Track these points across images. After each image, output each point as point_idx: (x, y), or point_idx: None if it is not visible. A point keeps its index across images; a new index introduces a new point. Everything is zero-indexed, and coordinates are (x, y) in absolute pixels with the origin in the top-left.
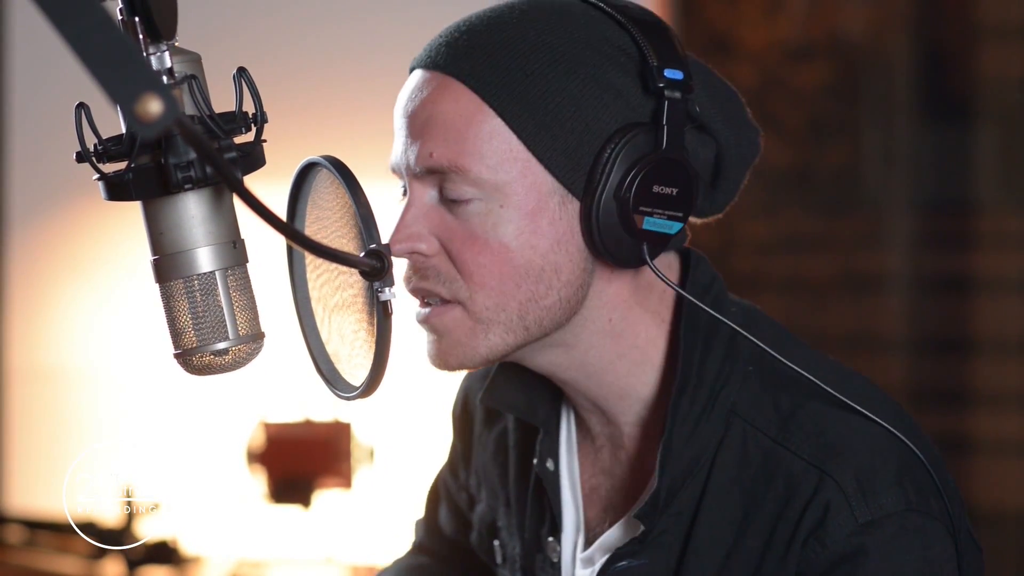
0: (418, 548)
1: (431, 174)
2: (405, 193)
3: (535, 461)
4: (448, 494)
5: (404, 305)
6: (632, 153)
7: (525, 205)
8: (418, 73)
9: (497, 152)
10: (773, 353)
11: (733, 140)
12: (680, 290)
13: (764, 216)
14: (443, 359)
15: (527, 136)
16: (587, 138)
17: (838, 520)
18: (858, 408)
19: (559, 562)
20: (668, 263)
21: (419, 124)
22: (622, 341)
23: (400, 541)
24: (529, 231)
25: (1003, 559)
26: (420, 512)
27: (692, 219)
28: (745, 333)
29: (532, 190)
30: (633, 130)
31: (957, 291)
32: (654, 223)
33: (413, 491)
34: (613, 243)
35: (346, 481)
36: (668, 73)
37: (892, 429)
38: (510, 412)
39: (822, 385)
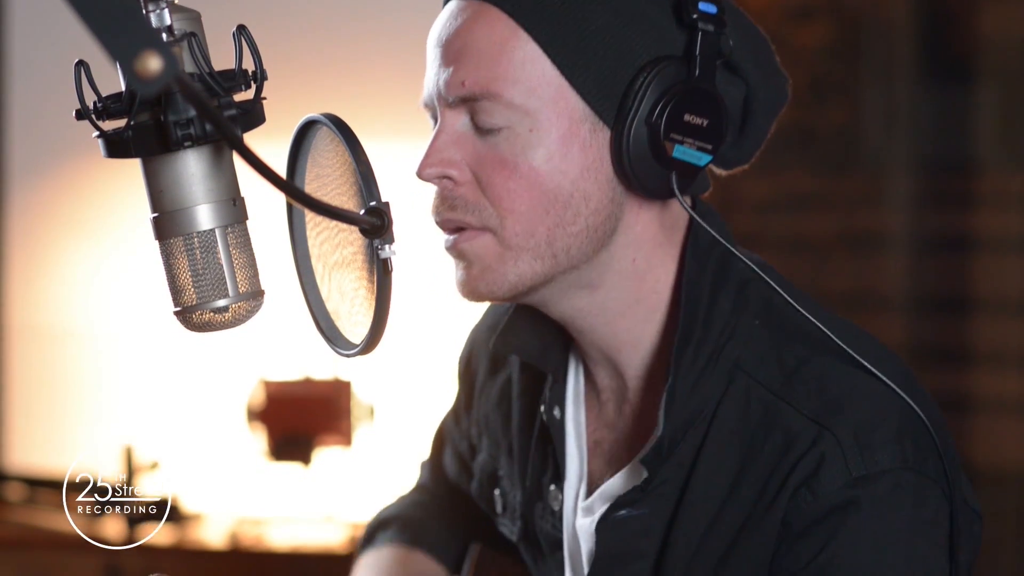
0: (421, 489)
1: (463, 103)
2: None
3: (542, 408)
4: (452, 440)
5: (404, 263)
6: (664, 82)
7: (556, 130)
8: (453, 3)
9: (530, 77)
10: (787, 297)
11: (762, 83)
12: (707, 226)
13: (765, 175)
14: (472, 287)
15: (561, 61)
16: (620, 66)
17: (831, 472)
18: (864, 363)
19: (560, 510)
20: (677, 217)
21: (452, 52)
22: (643, 284)
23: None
24: (559, 156)
25: (1002, 518)
26: (425, 454)
27: (718, 171)
28: (761, 273)
29: (563, 116)
30: (666, 61)
31: (957, 250)
32: (684, 152)
33: (413, 449)
34: (643, 170)
35: (346, 439)
36: (702, 6)
37: (896, 388)
38: (521, 356)
39: (832, 336)
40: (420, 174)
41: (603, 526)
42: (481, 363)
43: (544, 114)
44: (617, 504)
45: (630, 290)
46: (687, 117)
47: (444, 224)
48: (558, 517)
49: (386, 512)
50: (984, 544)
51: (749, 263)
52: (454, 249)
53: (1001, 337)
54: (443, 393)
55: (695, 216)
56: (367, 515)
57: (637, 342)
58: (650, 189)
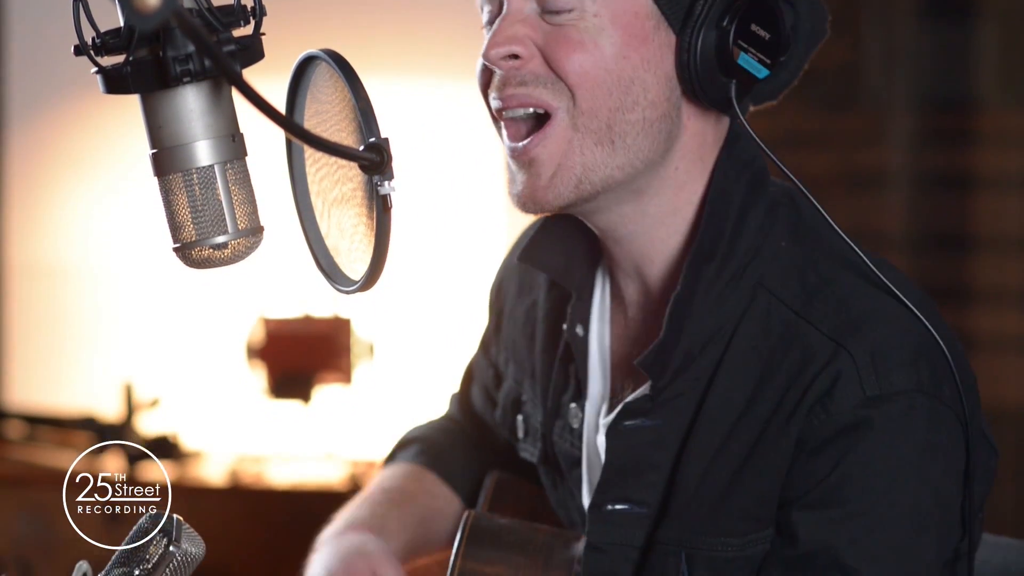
0: (449, 419)
1: None
2: (490, 22)
3: (565, 327)
4: (479, 373)
5: (403, 200)
6: None
7: (621, 19)
8: None
9: None
10: (824, 213)
11: (808, 13)
12: (757, 138)
13: (764, 113)
14: (539, 195)
15: None
16: None
17: (846, 391)
18: (888, 283)
19: (579, 428)
20: (719, 134)
21: None
22: (680, 194)
23: (397, 436)
24: (623, 42)
25: (1001, 456)
26: (454, 387)
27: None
28: (800, 185)
29: (630, 9)
30: None
31: (957, 188)
32: (747, 61)
33: (413, 386)
34: (705, 74)
35: (346, 376)
36: None
37: (917, 312)
38: (546, 272)
39: (860, 253)
40: (487, 55)
41: (612, 433)
42: (510, 290)
43: (611, 2)
44: (625, 412)
45: (669, 199)
46: (754, 27)
47: (512, 100)
48: (577, 435)
49: (412, 433)
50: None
51: (790, 177)
52: (525, 155)
53: (1000, 275)
54: (442, 330)
55: (747, 126)
56: (367, 453)
57: (668, 255)
58: (708, 94)
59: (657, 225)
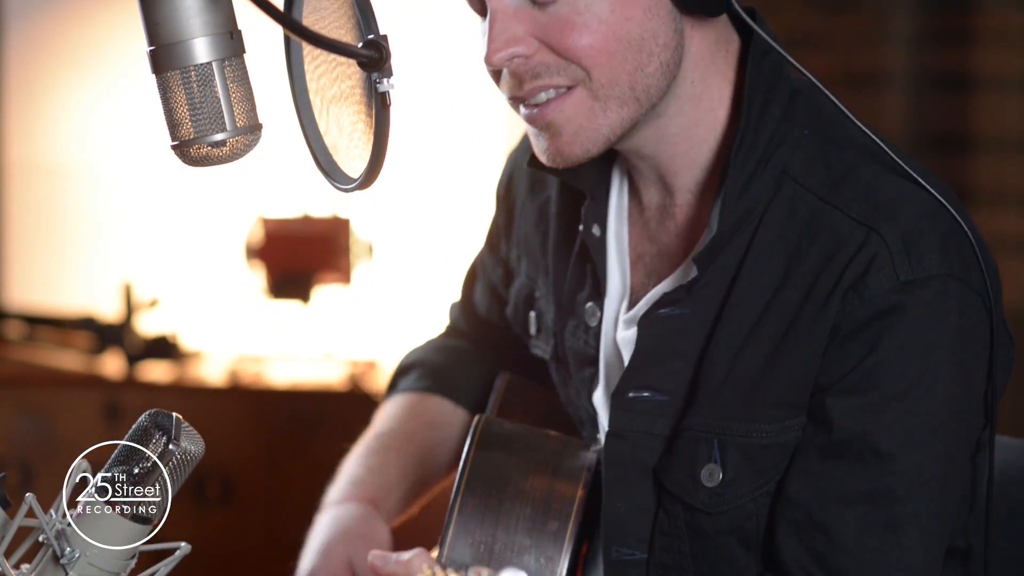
0: (451, 331)
1: None
2: (484, 15)
3: (580, 228)
4: (485, 272)
5: (401, 97)
6: None
7: None
8: None
9: None
10: (840, 106)
11: None
12: (763, 33)
13: (764, 14)
14: (566, 152)
15: None
16: None
17: (880, 276)
18: (911, 173)
19: (596, 327)
20: (727, 35)
21: None
22: (700, 105)
23: (399, 336)
24: (620, 3)
25: None
26: (455, 296)
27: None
28: (817, 82)
29: None
30: None
31: (957, 89)
32: None
33: (411, 286)
34: None
35: (345, 276)
36: None
37: (942, 200)
38: (557, 176)
39: (881, 143)
40: (490, 61)
41: (645, 322)
42: (521, 184)
43: None
44: (661, 302)
45: (689, 113)
46: None
47: (531, 92)
48: (593, 334)
49: (409, 357)
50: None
51: (804, 71)
52: (541, 119)
53: (999, 176)
54: (441, 230)
55: (750, 21)
56: (366, 353)
57: (693, 163)
58: (705, 5)
59: (679, 142)
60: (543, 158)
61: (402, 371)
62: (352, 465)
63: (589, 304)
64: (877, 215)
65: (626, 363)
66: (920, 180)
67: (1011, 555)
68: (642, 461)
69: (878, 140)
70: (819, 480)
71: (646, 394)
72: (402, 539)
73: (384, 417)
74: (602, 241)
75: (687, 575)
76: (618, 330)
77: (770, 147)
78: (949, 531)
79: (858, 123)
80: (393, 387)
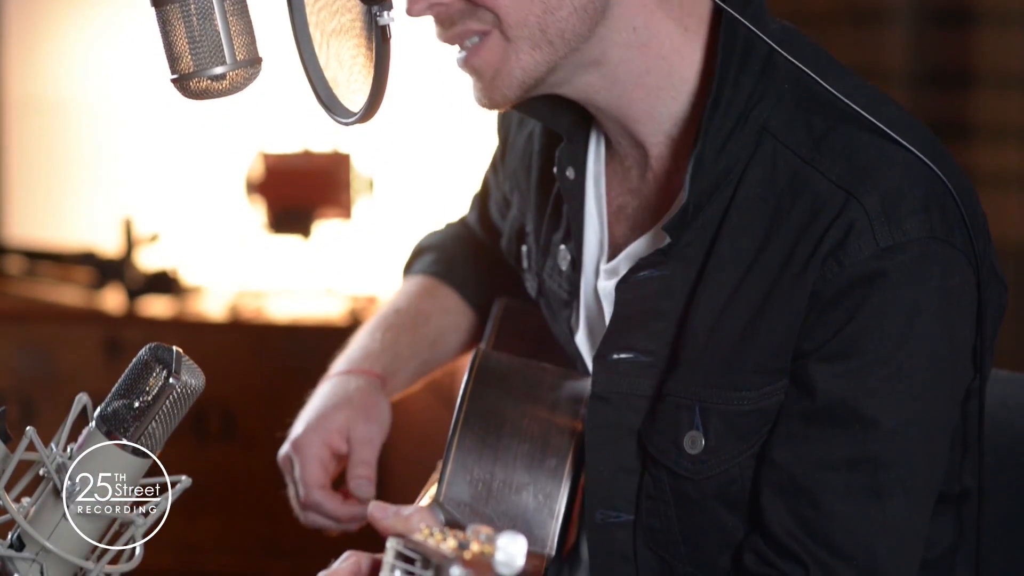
0: (465, 224)
1: None
2: None
3: (555, 169)
4: (493, 192)
5: (402, 31)
6: None
7: None
8: None
9: None
10: (809, 73)
11: None
12: None
13: None
14: (488, 96)
15: None
16: None
17: (859, 242)
18: (891, 134)
19: (568, 270)
20: None
21: None
22: (648, 52)
23: (399, 271)
24: None
25: None
26: (476, 188)
27: None
28: (783, 52)
29: None
30: None
31: (959, 23)
32: None
33: (412, 221)
34: None
35: (345, 211)
36: None
37: (923, 157)
38: (533, 117)
39: (857, 109)
40: (411, 11)
41: (623, 287)
42: (512, 117)
43: None
44: (639, 266)
45: (636, 60)
46: None
47: (453, 39)
48: (565, 277)
49: (429, 239)
50: None
51: (768, 41)
52: (467, 65)
53: (1002, 111)
54: (442, 165)
55: None
56: (367, 288)
57: (654, 112)
58: None
59: (631, 89)
60: (477, 103)
61: (419, 252)
62: (365, 337)
63: (562, 247)
64: (857, 179)
65: (606, 314)
66: (899, 140)
67: (1012, 489)
68: (626, 424)
69: (854, 106)
70: (803, 446)
71: (629, 355)
72: (398, 476)
73: (401, 295)
74: (578, 185)
75: (674, 538)
76: (599, 279)
77: (750, 103)
78: (936, 492)
79: (831, 90)
80: (409, 267)
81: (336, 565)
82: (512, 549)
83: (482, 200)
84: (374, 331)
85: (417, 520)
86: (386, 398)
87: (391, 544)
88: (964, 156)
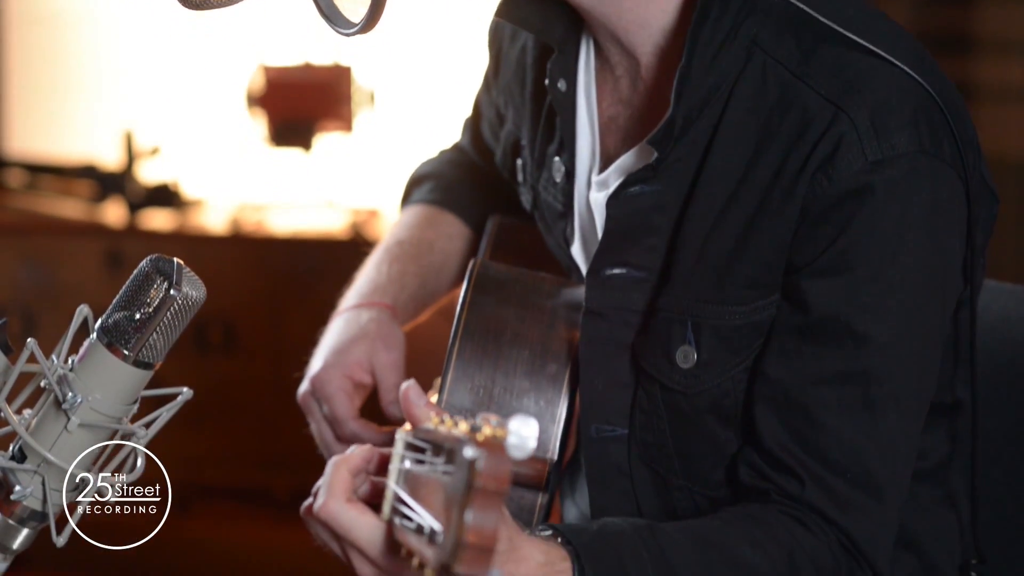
0: (458, 149)
1: None
2: None
3: (547, 82)
4: (484, 109)
5: None
6: None
7: None
8: None
9: None
10: None
11: None
12: None
13: None
14: None
15: None
16: None
17: (848, 156)
18: (879, 52)
19: (562, 182)
20: None
21: None
22: None
23: (400, 184)
24: None
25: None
26: (466, 113)
27: None
28: None
29: None
30: None
31: None
32: None
33: (413, 134)
34: None
35: (346, 124)
36: None
37: (912, 72)
38: (523, 28)
39: (845, 33)
40: None
41: (613, 202)
42: (505, 30)
43: None
44: (628, 181)
45: None
46: None
47: None
48: (560, 189)
49: (424, 168)
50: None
51: None
52: None
53: (1005, 24)
54: (443, 77)
55: None
56: (367, 201)
57: (644, 22)
58: None
59: None
60: None
61: (417, 181)
62: (372, 271)
63: (556, 159)
64: (845, 93)
65: (598, 226)
66: (886, 56)
67: (1011, 402)
68: (619, 339)
69: (838, 28)
70: (797, 361)
71: (622, 270)
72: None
73: (402, 226)
74: (569, 97)
75: (667, 452)
76: (591, 191)
77: (739, 17)
78: (928, 404)
79: (814, 13)
80: (407, 197)
81: (350, 451)
82: (524, 431)
83: (474, 123)
84: (380, 264)
85: (426, 410)
86: (399, 327)
87: (400, 436)
88: (966, 69)
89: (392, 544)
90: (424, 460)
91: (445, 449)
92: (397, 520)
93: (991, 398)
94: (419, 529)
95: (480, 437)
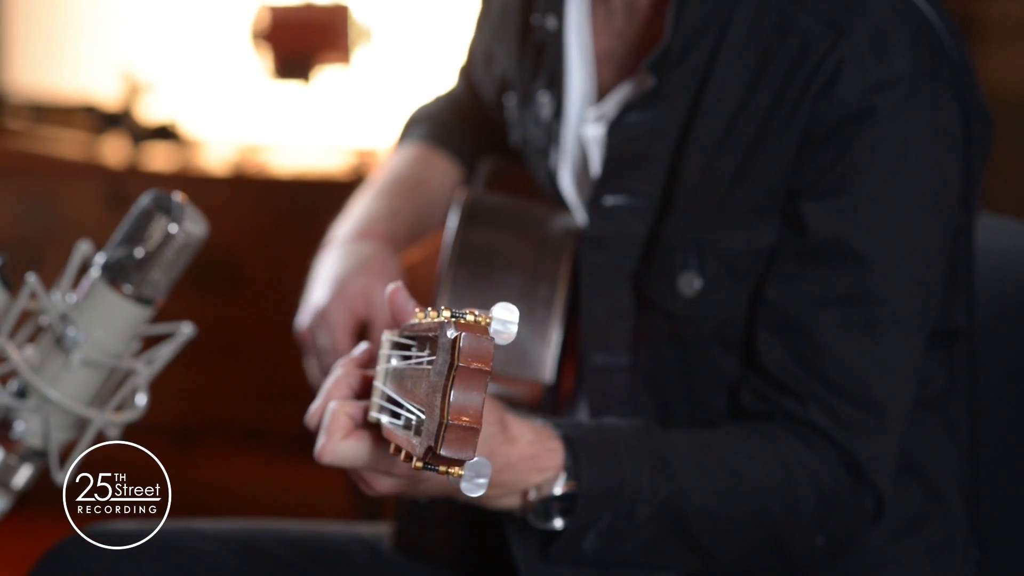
0: (454, 96)
1: None
2: None
3: (533, 18)
4: (479, 51)
5: None
6: None
7: None
8: None
9: None
10: None
11: None
12: None
13: None
14: None
15: None
16: None
17: (849, 79)
18: None
19: (548, 118)
20: None
21: None
22: None
23: (400, 124)
24: None
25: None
26: (461, 61)
27: None
28: None
29: None
30: None
31: None
32: None
33: (411, 73)
34: None
35: (344, 57)
36: None
37: None
38: None
39: None
40: None
41: (613, 130)
42: None
43: None
44: (627, 108)
45: None
46: None
47: None
48: (544, 126)
49: (422, 110)
50: (984, 172)
51: None
52: None
53: None
54: (440, 14)
55: None
56: (368, 142)
57: None
58: None
59: None
60: None
61: (412, 123)
62: (367, 203)
63: (543, 96)
64: (844, 16)
65: (590, 161)
66: None
67: (1014, 338)
68: (621, 267)
69: None
70: (797, 283)
71: (622, 198)
72: None
73: (398, 160)
74: (558, 35)
75: (672, 380)
76: (585, 126)
77: None
78: (928, 327)
79: None
80: (404, 136)
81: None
82: (506, 316)
83: (468, 67)
84: (376, 197)
85: (412, 308)
86: (398, 260)
87: (386, 336)
88: (965, 6)
89: (384, 445)
90: (410, 355)
91: (428, 340)
92: (386, 419)
93: (992, 336)
94: (407, 424)
95: (463, 322)
